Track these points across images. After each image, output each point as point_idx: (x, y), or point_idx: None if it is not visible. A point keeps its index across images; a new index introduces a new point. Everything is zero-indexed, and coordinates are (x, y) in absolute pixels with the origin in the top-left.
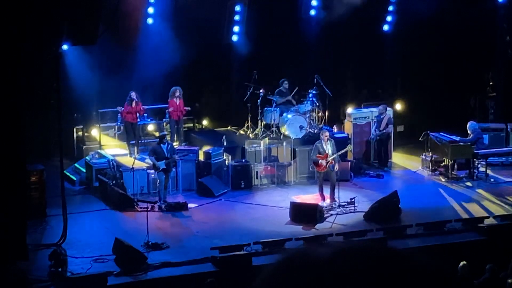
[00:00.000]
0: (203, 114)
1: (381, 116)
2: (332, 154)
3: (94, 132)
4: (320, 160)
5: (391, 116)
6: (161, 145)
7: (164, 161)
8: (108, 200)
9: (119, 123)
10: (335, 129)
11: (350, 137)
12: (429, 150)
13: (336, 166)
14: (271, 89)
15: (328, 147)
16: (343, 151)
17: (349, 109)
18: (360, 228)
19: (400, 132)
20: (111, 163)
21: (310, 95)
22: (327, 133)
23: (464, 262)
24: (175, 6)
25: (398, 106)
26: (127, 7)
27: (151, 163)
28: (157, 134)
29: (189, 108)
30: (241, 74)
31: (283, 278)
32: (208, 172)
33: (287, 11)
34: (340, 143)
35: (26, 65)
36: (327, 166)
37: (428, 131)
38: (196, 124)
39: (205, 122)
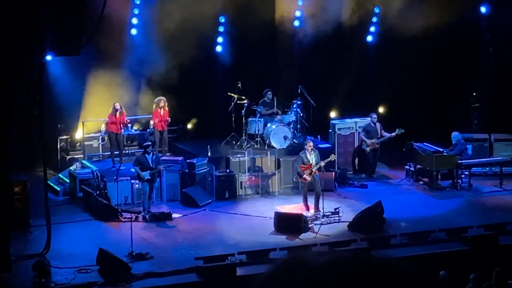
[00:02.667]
0: (187, 122)
1: (372, 125)
2: (316, 164)
3: (78, 134)
4: (304, 174)
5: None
6: (146, 155)
7: (148, 171)
8: (92, 211)
9: (103, 134)
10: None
11: (334, 147)
12: (413, 160)
13: (314, 170)
14: (255, 99)
15: (312, 157)
16: (326, 161)
17: (333, 119)
18: (344, 238)
19: (384, 142)
20: (95, 173)
21: (294, 106)
22: (311, 143)
23: (444, 272)
24: (159, 17)
25: (381, 109)
26: (111, 17)
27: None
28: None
29: (169, 119)
30: (225, 85)
31: (277, 285)
32: (192, 182)
33: (271, 21)
34: (324, 154)
35: (9, 76)
36: (311, 176)
37: (412, 142)
38: (185, 129)
39: (189, 126)
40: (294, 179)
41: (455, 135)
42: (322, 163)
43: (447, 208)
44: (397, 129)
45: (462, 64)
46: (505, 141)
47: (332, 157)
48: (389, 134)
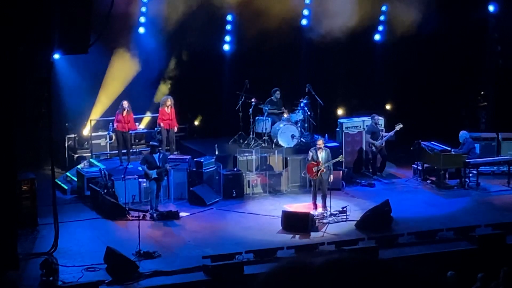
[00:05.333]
0: (194, 120)
1: (375, 126)
2: (325, 163)
3: (86, 131)
4: (313, 167)
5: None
6: (153, 154)
7: (156, 170)
8: (99, 209)
9: (110, 132)
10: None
11: (342, 146)
12: (421, 159)
13: (331, 177)
14: (262, 98)
15: (323, 156)
16: (334, 161)
17: (341, 118)
18: (351, 237)
19: (391, 141)
20: (102, 172)
21: (302, 104)
22: (321, 141)
23: (451, 272)
24: (167, 15)
25: (388, 106)
26: (119, 15)
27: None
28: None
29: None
30: (232, 83)
31: (276, 285)
32: (200, 181)
33: (279, 20)
34: (332, 153)
35: (17, 74)
36: (319, 173)
37: (420, 140)
38: (193, 128)
39: (196, 123)
40: (302, 175)
41: (462, 134)
42: (330, 163)
43: (454, 207)
44: (396, 125)
45: (470, 63)
46: None
47: (341, 158)
48: (389, 133)
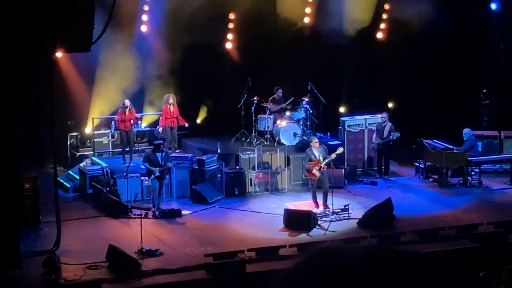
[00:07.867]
0: (196, 119)
1: (383, 124)
2: (324, 160)
3: (88, 130)
4: (313, 170)
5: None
6: (157, 152)
7: (158, 168)
8: (102, 207)
9: (113, 131)
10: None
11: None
12: (423, 157)
13: (322, 166)
14: (265, 96)
15: (319, 153)
16: (335, 154)
17: (343, 116)
18: (353, 235)
19: (393, 139)
20: (104, 170)
21: (304, 103)
22: (316, 140)
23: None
24: (169, 13)
25: (391, 104)
26: (122, 14)
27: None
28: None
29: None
30: (235, 81)
31: (312, 273)
32: (202, 179)
33: (281, 18)
34: (333, 150)
35: (19, 72)
36: (320, 172)
37: (422, 139)
38: (195, 126)
39: (198, 121)
40: (303, 176)
41: (466, 131)
42: (333, 156)
43: (457, 205)
44: (392, 133)
45: (472, 61)
46: None
47: (340, 150)
48: (387, 139)
